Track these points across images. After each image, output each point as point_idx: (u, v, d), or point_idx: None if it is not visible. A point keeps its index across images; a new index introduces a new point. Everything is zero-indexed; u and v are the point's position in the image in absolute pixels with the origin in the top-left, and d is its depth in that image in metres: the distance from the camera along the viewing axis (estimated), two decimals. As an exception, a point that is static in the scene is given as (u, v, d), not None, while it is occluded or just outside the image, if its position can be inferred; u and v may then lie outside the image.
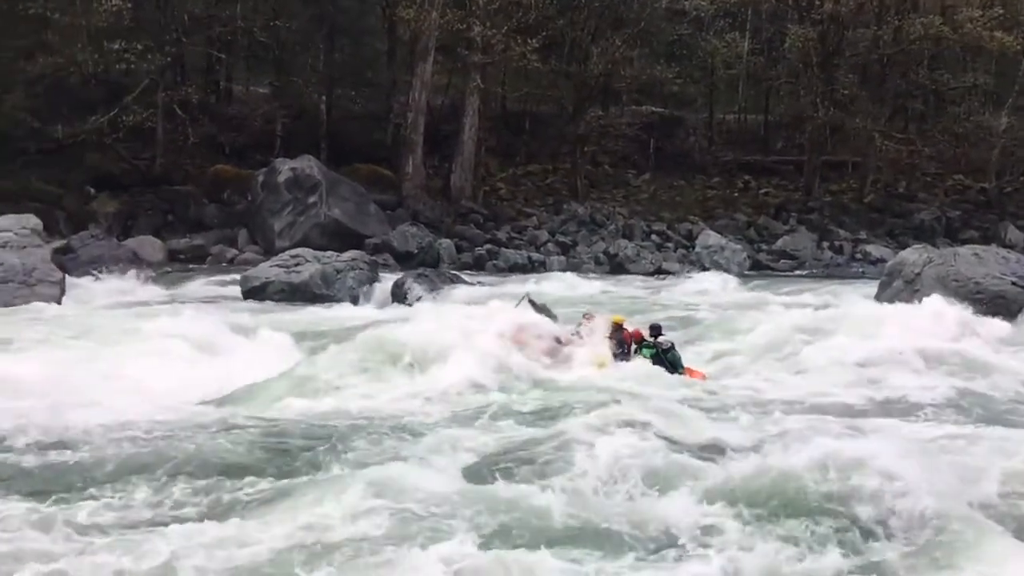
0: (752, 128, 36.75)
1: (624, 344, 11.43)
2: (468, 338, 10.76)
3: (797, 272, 26.73)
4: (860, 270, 26.47)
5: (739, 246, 27.71)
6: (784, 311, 15.23)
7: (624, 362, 11.13)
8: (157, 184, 27.46)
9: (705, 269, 25.59)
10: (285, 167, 26.37)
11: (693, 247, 27.61)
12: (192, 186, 27.85)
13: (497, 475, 7.22)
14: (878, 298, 16.64)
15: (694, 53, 34.35)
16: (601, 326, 11.47)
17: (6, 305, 15.35)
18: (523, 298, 13.40)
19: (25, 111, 25.26)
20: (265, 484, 7.06)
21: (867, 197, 32.27)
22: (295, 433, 8.35)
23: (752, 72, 34.63)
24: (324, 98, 30.21)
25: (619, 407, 8.82)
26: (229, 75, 33.28)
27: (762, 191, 33.47)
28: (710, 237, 27.63)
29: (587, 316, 11.92)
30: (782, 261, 27.91)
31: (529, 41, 28.30)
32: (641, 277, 24.52)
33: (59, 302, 16.26)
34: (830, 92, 30.91)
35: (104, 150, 27.39)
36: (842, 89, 31.44)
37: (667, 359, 11.18)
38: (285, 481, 7.13)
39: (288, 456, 7.74)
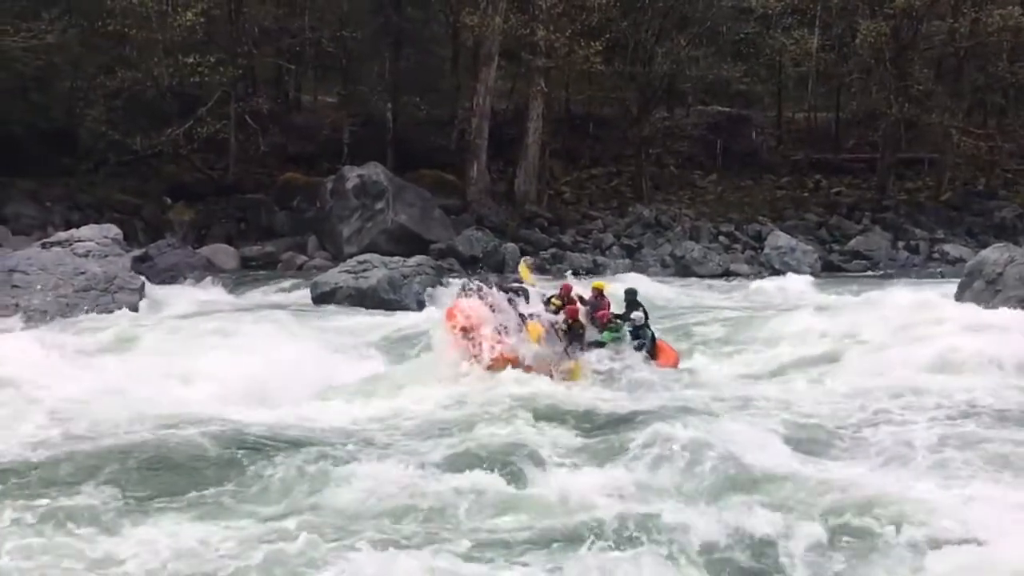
0: (823, 126, 35.93)
1: (601, 309, 11.58)
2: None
3: (871, 273, 26.00)
4: (938, 270, 25.62)
5: (810, 247, 27.12)
6: (852, 312, 14.87)
7: (567, 338, 11.20)
8: (230, 193, 28.21)
9: (775, 271, 25.14)
10: (353, 174, 26.79)
11: (762, 248, 27.13)
12: (263, 194, 28.49)
13: (453, 485, 7.55)
14: (958, 299, 16.16)
15: (761, 51, 33.67)
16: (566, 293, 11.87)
17: (89, 312, 15.93)
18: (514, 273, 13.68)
19: (105, 124, 26.22)
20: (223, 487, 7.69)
21: (944, 195, 31.26)
22: (310, 438, 8.77)
23: (822, 69, 33.82)
24: (390, 105, 30.57)
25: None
26: (298, 85, 33.98)
27: (834, 190, 32.69)
28: (780, 238, 27.12)
29: (564, 286, 12.27)
30: (855, 262, 27.22)
31: (593, 44, 28.17)
32: (708, 279, 24.17)
33: (138, 309, 16.82)
34: (904, 87, 30.03)
35: (179, 161, 28.29)
36: (917, 84, 30.48)
37: (637, 335, 11.01)
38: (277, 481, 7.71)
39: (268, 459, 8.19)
